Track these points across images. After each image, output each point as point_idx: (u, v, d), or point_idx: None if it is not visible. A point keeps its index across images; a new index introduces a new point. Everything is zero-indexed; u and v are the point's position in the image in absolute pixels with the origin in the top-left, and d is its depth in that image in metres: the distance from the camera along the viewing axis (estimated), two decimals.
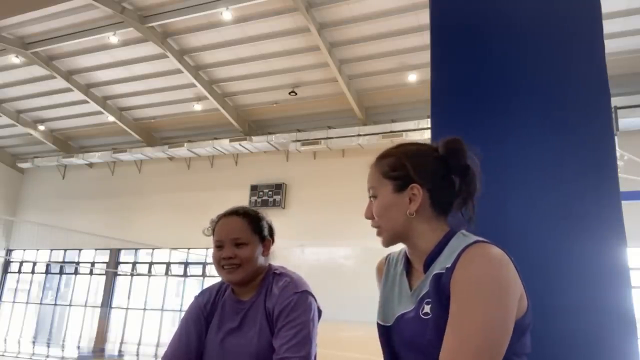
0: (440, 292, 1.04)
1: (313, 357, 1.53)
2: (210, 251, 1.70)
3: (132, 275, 19.59)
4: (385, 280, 1.26)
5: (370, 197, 1.23)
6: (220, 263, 1.59)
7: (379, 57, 14.34)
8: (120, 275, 19.94)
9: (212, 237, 1.67)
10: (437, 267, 1.08)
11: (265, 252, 1.64)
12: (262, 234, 1.64)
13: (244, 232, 1.61)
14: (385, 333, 1.17)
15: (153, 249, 18.75)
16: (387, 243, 1.21)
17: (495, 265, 1.02)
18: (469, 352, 0.95)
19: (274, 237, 1.69)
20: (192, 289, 18.41)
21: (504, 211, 1.55)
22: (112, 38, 14.59)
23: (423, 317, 1.06)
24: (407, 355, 1.11)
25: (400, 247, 1.30)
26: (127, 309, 18.73)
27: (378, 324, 1.20)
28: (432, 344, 1.02)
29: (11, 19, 13.45)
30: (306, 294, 1.57)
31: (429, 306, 1.06)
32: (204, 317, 1.65)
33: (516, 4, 1.75)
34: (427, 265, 1.12)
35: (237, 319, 1.60)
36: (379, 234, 1.21)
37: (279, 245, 1.77)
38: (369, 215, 1.23)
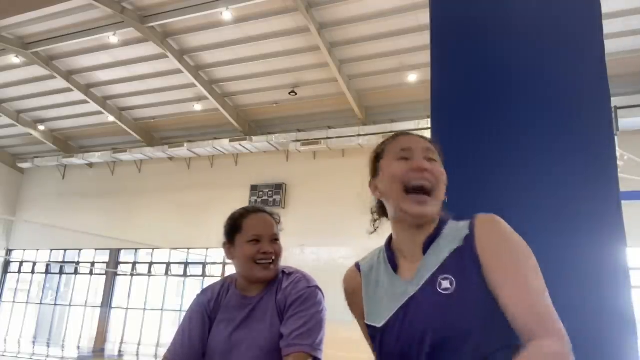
0: (463, 265, 1.06)
1: (321, 348, 1.54)
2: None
3: (132, 275, 19.59)
4: (367, 286, 1.25)
5: (427, 158, 1.18)
6: (256, 257, 1.59)
7: (379, 57, 14.34)
8: (120, 275, 19.93)
9: (240, 234, 1.64)
10: (444, 246, 1.11)
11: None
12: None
13: (277, 229, 1.66)
14: (380, 335, 1.16)
15: (153, 249, 18.74)
16: (433, 212, 1.15)
17: (507, 224, 1.11)
18: (539, 291, 1.01)
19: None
20: (192, 289, 18.40)
21: (504, 211, 1.55)
22: (112, 38, 14.59)
23: (443, 292, 1.06)
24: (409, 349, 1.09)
25: (360, 255, 1.35)
26: (127, 309, 18.73)
27: (370, 326, 1.19)
28: (454, 320, 1.02)
29: (11, 19, 13.44)
30: (317, 289, 1.61)
31: (447, 281, 1.06)
32: (207, 314, 1.64)
33: (516, 4, 1.75)
34: (426, 247, 1.14)
35: (245, 314, 1.59)
36: (428, 202, 1.13)
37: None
38: (430, 172, 1.15)
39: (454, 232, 1.12)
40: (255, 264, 1.59)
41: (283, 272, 1.65)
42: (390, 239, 1.26)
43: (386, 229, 1.34)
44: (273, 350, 1.49)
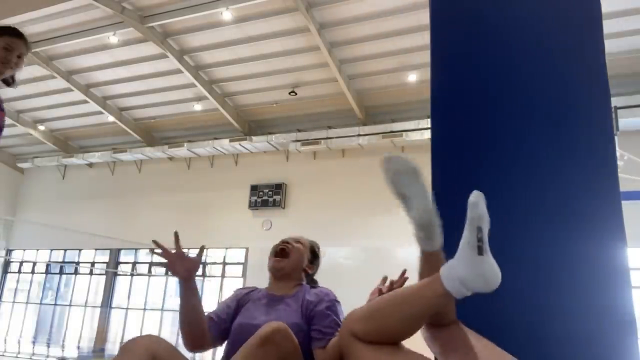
0: None
1: None
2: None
3: (132, 275, 19.59)
4: None
5: None
6: (278, 247, 1.91)
7: (379, 57, 14.33)
8: (120, 275, 19.93)
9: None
10: None
11: (308, 268, 1.96)
12: (314, 256, 1.99)
13: (305, 243, 1.98)
14: None
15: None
16: None
17: None
18: None
19: (316, 270, 2.02)
20: None
21: (504, 211, 1.55)
22: (112, 38, 14.59)
23: None
24: None
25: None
26: (127, 309, 18.73)
27: None
28: None
29: (11, 19, 13.43)
30: (340, 307, 1.82)
31: None
32: (237, 301, 1.90)
33: (516, 4, 1.75)
34: None
35: (271, 305, 1.82)
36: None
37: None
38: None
39: None
40: (273, 255, 1.90)
41: (311, 286, 1.91)
42: None
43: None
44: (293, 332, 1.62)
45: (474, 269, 1.20)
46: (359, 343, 1.32)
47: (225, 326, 1.83)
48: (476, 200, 1.24)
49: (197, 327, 1.76)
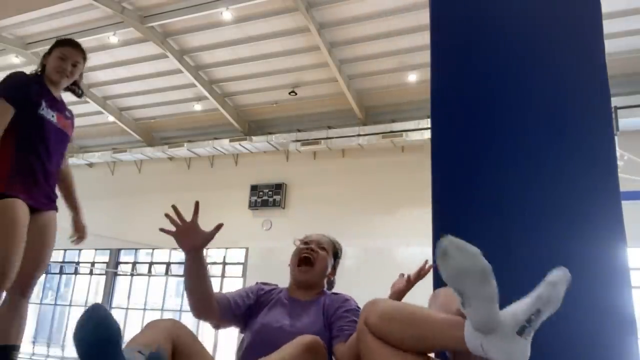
0: None
1: None
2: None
3: (132, 275, 19.60)
4: None
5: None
6: (300, 251, 1.86)
7: (379, 57, 14.33)
8: (120, 275, 19.94)
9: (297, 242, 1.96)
10: None
11: (331, 275, 1.95)
12: (335, 259, 1.97)
13: (329, 246, 1.93)
14: None
15: (153, 249, 18.74)
16: None
17: None
18: None
19: (336, 271, 2.00)
20: None
21: (504, 211, 1.55)
22: (112, 38, 14.58)
23: None
24: None
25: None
26: (127, 309, 18.73)
27: None
28: None
29: (11, 19, 13.44)
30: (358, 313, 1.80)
31: None
32: (257, 295, 1.87)
33: (516, 4, 1.74)
34: None
35: (297, 310, 1.80)
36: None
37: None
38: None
39: None
40: (297, 266, 1.86)
41: (333, 293, 1.90)
42: None
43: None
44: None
45: (503, 344, 1.06)
46: (369, 334, 1.31)
47: (238, 312, 1.81)
48: (557, 280, 1.10)
49: (202, 298, 1.74)
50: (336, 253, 1.97)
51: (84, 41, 13.59)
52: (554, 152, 1.57)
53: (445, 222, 1.57)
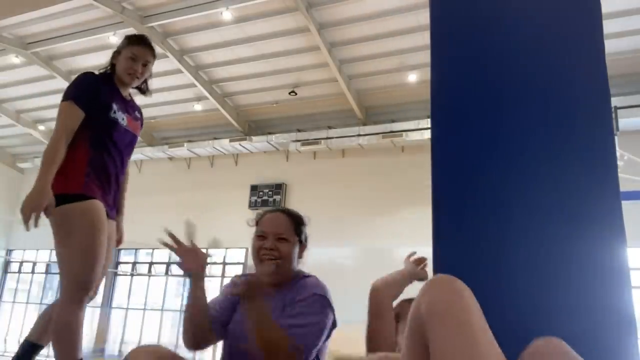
0: None
1: (312, 353, 1.59)
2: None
3: (132, 275, 19.60)
4: None
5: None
6: (260, 253, 1.68)
7: (379, 57, 14.34)
8: (120, 275, 19.94)
9: (255, 228, 1.77)
10: None
11: (300, 254, 1.75)
12: (301, 237, 1.76)
13: (288, 230, 1.72)
14: None
15: (153, 249, 18.75)
16: None
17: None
18: None
19: (307, 244, 1.80)
20: None
21: (504, 211, 1.55)
22: (112, 38, 14.59)
23: None
24: None
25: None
26: (127, 309, 18.73)
27: None
28: None
29: (11, 19, 13.44)
30: (327, 301, 1.66)
31: None
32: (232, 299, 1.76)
33: (516, 4, 1.74)
34: None
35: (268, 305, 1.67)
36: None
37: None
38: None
39: None
40: (260, 261, 1.68)
41: (304, 275, 1.73)
42: None
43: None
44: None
45: None
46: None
47: (225, 319, 1.75)
48: None
49: (204, 327, 1.69)
50: (300, 232, 1.75)
51: (84, 41, 13.57)
52: (553, 152, 1.57)
53: (445, 222, 1.57)
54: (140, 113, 2.66)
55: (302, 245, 1.76)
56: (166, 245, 1.73)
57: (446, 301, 0.97)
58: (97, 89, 2.28)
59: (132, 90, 2.58)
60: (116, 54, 2.44)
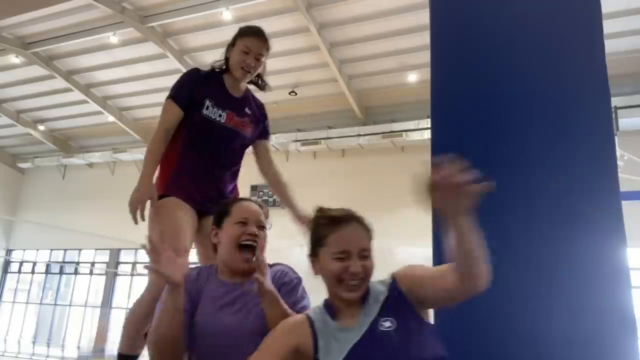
0: (399, 306, 1.32)
1: None
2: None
3: (132, 275, 19.60)
4: (323, 337, 1.37)
5: (362, 257, 1.40)
6: (242, 239, 1.65)
7: (379, 57, 14.34)
8: (120, 275, 19.94)
9: (228, 216, 1.73)
10: (374, 300, 1.36)
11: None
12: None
13: (266, 219, 1.80)
14: None
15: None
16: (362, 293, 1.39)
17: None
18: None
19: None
20: None
21: (504, 211, 1.55)
22: (112, 38, 14.59)
23: (385, 329, 1.28)
24: None
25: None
26: (127, 309, 18.74)
27: None
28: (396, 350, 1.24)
29: (11, 19, 13.43)
30: (301, 281, 1.69)
31: (388, 322, 1.30)
32: (187, 293, 1.62)
33: (516, 4, 1.75)
34: (364, 300, 1.37)
35: (232, 298, 1.62)
36: (360, 289, 1.37)
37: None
38: (363, 271, 1.38)
39: (379, 286, 1.38)
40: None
41: (268, 264, 1.68)
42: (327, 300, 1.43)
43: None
44: (264, 334, 1.48)
45: None
46: None
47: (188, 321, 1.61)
48: None
49: (178, 343, 1.53)
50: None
51: (84, 41, 13.60)
52: (554, 152, 1.57)
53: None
54: (252, 110, 2.54)
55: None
56: (146, 250, 1.63)
57: None
58: (192, 86, 2.24)
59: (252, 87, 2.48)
60: (230, 46, 2.35)
